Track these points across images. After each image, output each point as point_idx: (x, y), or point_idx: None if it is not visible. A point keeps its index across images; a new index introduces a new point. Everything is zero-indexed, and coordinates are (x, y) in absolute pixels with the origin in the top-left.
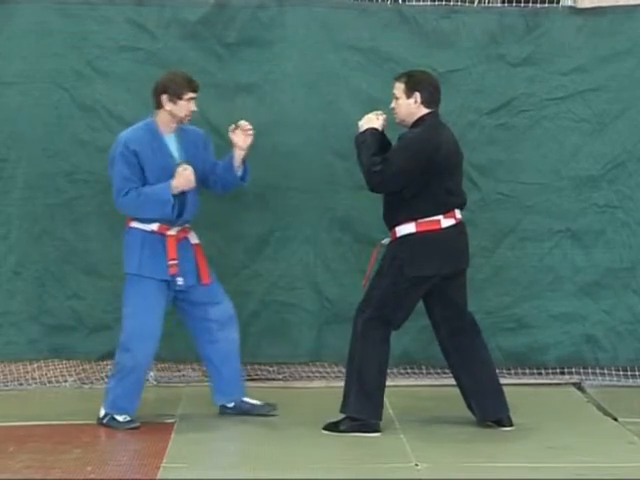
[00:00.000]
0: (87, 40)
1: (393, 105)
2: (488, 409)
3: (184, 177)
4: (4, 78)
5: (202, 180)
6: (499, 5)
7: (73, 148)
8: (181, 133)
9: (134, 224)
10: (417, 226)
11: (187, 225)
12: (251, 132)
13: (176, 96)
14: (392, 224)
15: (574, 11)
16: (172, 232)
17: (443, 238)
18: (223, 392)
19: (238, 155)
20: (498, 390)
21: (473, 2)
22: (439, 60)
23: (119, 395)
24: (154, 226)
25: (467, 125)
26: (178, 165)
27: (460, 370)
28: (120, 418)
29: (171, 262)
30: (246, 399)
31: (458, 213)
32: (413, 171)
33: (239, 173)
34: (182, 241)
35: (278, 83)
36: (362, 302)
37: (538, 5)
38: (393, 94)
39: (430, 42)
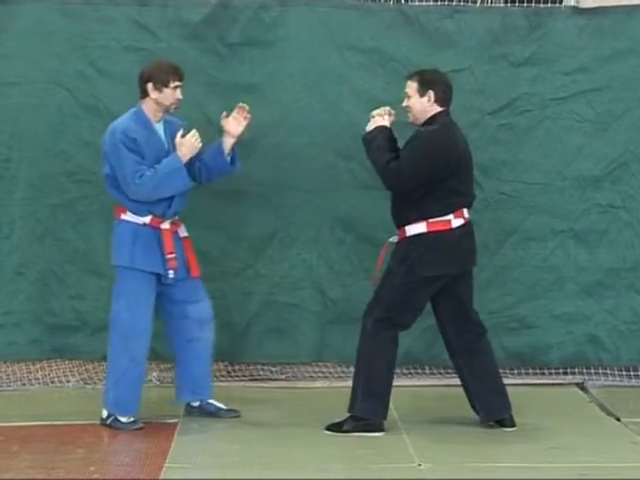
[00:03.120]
0: (89, 40)
1: (406, 103)
2: (491, 409)
3: (186, 144)
4: (7, 78)
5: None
6: (502, 5)
7: (76, 148)
8: (166, 124)
9: (125, 217)
10: (428, 226)
11: (177, 218)
12: (247, 117)
13: (162, 84)
14: (401, 223)
15: (577, 11)
16: (166, 225)
17: (453, 238)
18: (190, 390)
19: (227, 142)
20: (501, 390)
21: (476, 2)
22: (442, 60)
23: (119, 395)
24: (147, 219)
25: (470, 125)
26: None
27: (464, 370)
28: (123, 419)
29: (170, 256)
30: (212, 401)
31: (466, 213)
32: (430, 169)
33: (228, 158)
34: (173, 235)
35: (280, 83)
36: (371, 302)
37: (541, 5)
38: (405, 93)
39: (433, 42)
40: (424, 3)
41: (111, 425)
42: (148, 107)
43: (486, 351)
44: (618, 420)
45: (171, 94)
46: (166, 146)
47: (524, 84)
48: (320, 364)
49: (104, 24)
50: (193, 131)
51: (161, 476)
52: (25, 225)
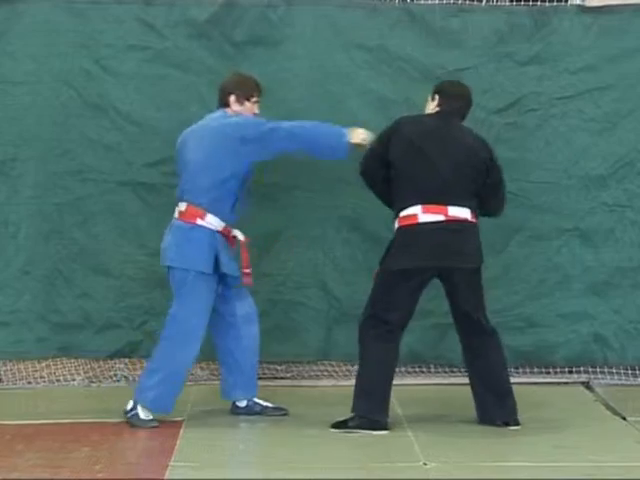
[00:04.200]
0: (96, 39)
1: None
2: (486, 412)
3: (357, 132)
4: (13, 77)
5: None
6: (507, 4)
7: (82, 147)
8: None
9: (202, 222)
10: (399, 221)
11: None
12: None
13: (245, 98)
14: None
15: (582, 9)
16: (241, 236)
17: (421, 232)
18: (243, 388)
19: None
20: (502, 393)
21: (481, 1)
22: (447, 59)
23: (162, 394)
24: (221, 226)
25: (475, 124)
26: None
27: (470, 370)
28: (143, 415)
29: (246, 271)
30: (258, 400)
31: (455, 211)
32: (377, 150)
33: None
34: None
35: (286, 82)
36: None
37: (547, 4)
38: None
39: (438, 41)
40: (429, 2)
41: (130, 419)
42: None
43: (490, 354)
44: (624, 419)
45: (250, 108)
46: None
47: (530, 83)
48: (325, 363)
49: (110, 23)
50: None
51: (166, 475)
52: (31, 224)
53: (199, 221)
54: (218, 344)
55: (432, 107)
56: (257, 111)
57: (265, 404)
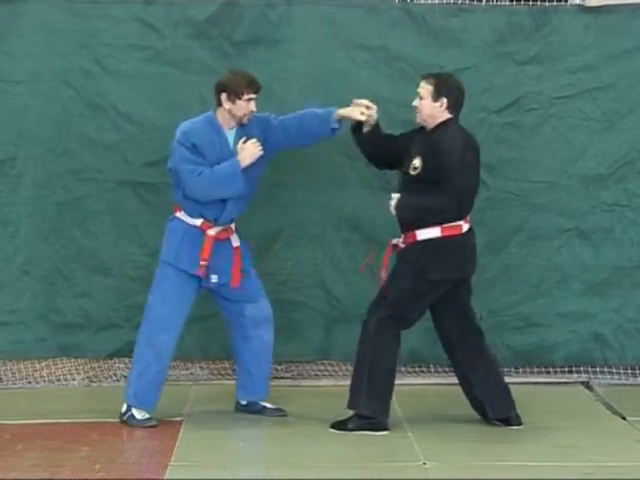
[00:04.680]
0: (96, 39)
1: (416, 104)
2: (498, 407)
3: (247, 150)
4: (13, 77)
5: (285, 148)
6: (507, 3)
7: (81, 146)
8: (239, 129)
9: (179, 215)
10: (442, 230)
11: (231, 226)
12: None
13: (235, 96)
14: (413, 226)
15: (582, 9)
16: (212, 232)
17: (463, 242)
18: (247, 390)
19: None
20: (506, 389)
21: (481, 0)
22: (447, 58)
23: (140, 388)
24: (198, 221)
25: (475, 123)
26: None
27: (469, 369)
28: (138, 416)
29: (202, 263)
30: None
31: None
32: (474, 176)
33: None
34: (224, 241)
35: (286, 81)
36: (375, 302)
37: (546, 3)
38: (417, 93)
39: (438, 40)
40: (429, 2)
41: (127, 421)
42: (221, 115)
43: (489, 351)
44: (624, 419)
45: (244, 106)
46: (233, 154)
47: (530, 82)
48: (325, 362)
49: (110, 22)
50: (254, 139)
51: (166, 474)
52: (31, 223)
53: (177, 214)
54: (231, 344)
55: (440, 110)
56: (254, 109)
57: (264, 404)
